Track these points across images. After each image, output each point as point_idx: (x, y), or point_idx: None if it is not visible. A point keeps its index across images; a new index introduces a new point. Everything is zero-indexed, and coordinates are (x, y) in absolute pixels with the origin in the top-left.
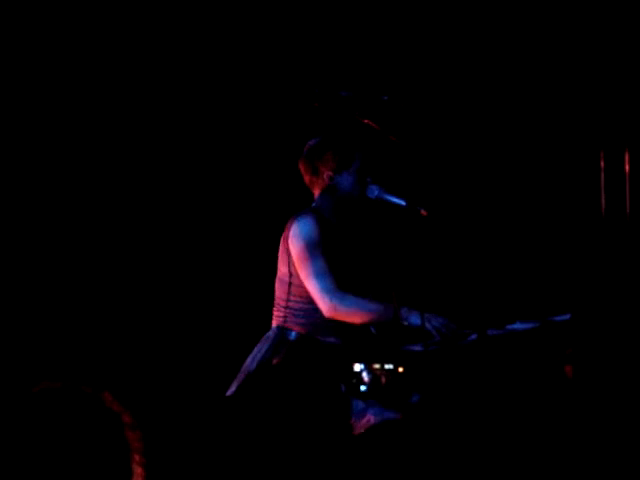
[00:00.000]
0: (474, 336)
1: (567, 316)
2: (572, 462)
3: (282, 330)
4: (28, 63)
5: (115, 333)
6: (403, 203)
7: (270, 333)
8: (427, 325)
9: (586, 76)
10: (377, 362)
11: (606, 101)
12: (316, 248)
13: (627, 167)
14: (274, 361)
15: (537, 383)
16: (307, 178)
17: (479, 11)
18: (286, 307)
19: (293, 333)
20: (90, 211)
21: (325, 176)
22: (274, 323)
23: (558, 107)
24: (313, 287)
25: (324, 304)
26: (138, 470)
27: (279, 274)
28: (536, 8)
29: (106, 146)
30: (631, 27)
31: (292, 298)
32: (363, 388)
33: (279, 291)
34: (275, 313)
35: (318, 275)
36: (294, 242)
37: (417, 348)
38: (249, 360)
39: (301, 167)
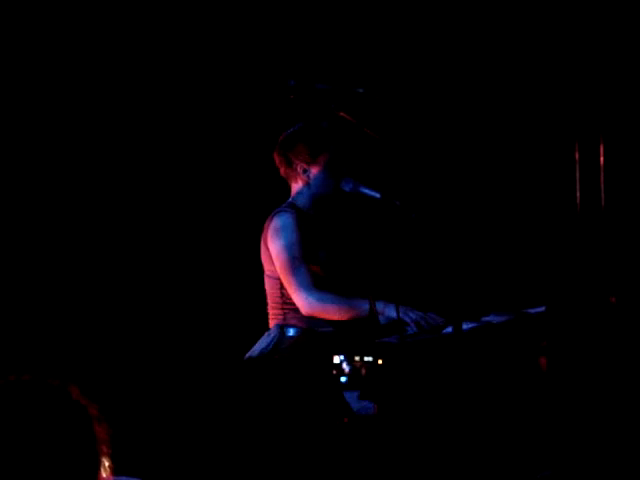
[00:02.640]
0: (449, 329)
1: (542, 308)
2: (546, 453)
3: (282, 328)
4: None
5: (87, 328)
6: (378, 196)
7: (270, 331)
8: (405, 317)
9: (561, 68)
10: (357, 354)
11: (581, 93)
12: (294, 245)
13: (602, 159)
14: (275, 357)
15: (512, 375)
16: (282, 170)
17: (454, 3)
18: (283, 304)
19: (293, 330)
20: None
21: (299, 168)
22: (272, 322)
23: (533, 99)
24: (290, 284)
25: (300, 302)
26: (106, 462)
27: (267, 272)
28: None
29: (94, 143)
30: (606, 20)
31: (286, 294)
32: (343, 379)
33: (271, 289)
34: (272, 312)
35: (295, 272)
36: (272, 239)
37: (392, 341)
38: (247, 357)
39: (275, 159)
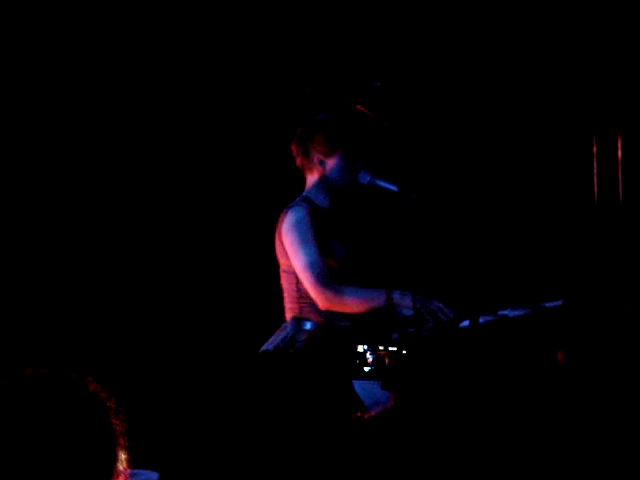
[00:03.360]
0: (466, 322)
1: (559, 302)
2: (563, 448)
3: (298, 321)
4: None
5: (103, 321)
6: (395, 188)
7: (286, 324)
8: (422, 310)
9: (578, 62)
10: (381, 344)
11: (599, 87)
12: (308, 239)
13: (620, 153)
14: (290, 351)
15: (529, 370)
16: (298, 161)
17: None
18: (299, 298)
19: (309, 323)
20: (77, 198)
21: (315, 159)
22: (288, 315)
23: (551, 93)
24: (306, 279)
25: (318, 296)
26: (123, 455)
27: (282, 266)
28: None
29: (98, 143)
30: (622, 14)
31: (303, 288)
32: (367, 369)
33: (287, 283)
34: (288, 306)
35: (310, 267)
36: (286, 234)
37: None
38: (263, 349)
39: (293, 149)
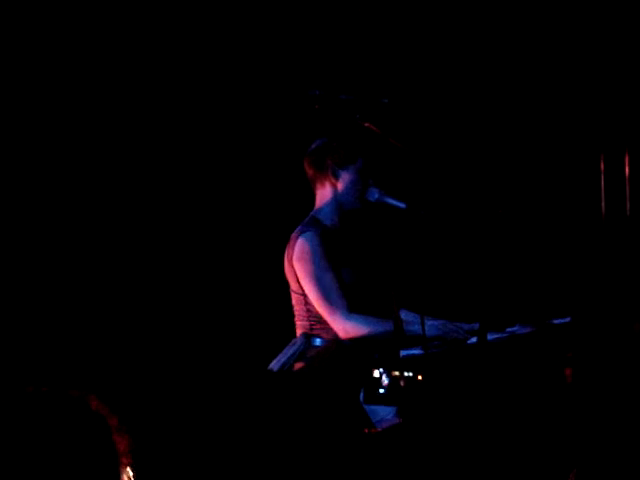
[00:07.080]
0: (474, 339)
1: (567, 319)
2: (572, 465)
3: (308, 337)
4: (28, 63)
5: (105, 336)
6: (403, 206)
7: (296, 340)
8: (427, 331)
9: (586, 79)
10: (396, 368)
11: (606, 104)
12: (322, 269)
13: (627, 170)
14: (297, 366)
15: (537, 386)
16: (311, 172)
17: (480, 14)
18: (309, 317)
19: (319, 340)
20: (87, 211)
21: (329, 170)
22: (299, 332)
23: (558, 110)
24: (325, 311)
25: (338, 328)
26: (125, 473)
27: (292, 287)
28: (537, 10)
29: (109, 147)
30: (631, 29)
31: (312, 309)
32: (382, 391)
33: (297, 304)
34: (299, 322)
35: (329, 299)
36: (299, 263)
37: (417, 352)
38: (273, 364)
39: (306, 161)
